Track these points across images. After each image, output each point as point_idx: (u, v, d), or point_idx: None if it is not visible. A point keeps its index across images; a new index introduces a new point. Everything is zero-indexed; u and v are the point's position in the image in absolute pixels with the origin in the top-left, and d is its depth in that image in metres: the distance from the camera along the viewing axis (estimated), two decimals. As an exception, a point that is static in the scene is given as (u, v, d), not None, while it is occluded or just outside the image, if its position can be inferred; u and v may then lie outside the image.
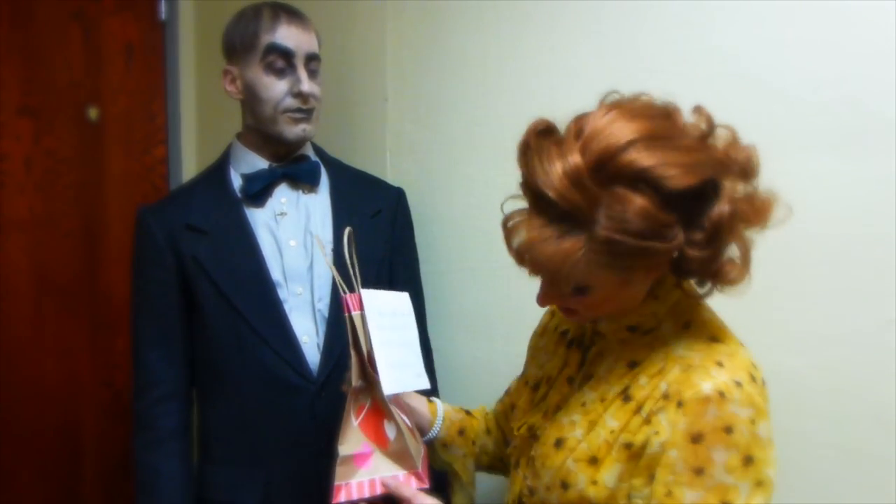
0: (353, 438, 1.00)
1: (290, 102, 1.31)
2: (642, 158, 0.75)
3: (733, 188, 0.80)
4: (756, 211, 0.81)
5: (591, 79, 1.27)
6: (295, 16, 1.34)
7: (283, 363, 1.29)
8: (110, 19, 1.93)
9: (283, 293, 1.32)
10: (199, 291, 1.32)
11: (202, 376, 1.38)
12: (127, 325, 1.98)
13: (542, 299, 0.90)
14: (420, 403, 1.14)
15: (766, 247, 1.10)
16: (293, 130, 1.32)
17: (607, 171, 0.75)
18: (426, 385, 1.06)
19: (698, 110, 0.85)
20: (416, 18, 1.56)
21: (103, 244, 1.93)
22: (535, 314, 1.23)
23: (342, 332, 1.30)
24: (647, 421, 0.84)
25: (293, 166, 1.37)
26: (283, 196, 1.37)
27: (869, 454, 1.02)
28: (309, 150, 1.43)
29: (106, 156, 1.93)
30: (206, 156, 2.07)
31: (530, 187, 0.80)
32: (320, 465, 1.27)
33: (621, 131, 0.76)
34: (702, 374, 0.82)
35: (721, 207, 0.78)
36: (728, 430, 0.79)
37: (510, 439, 1.06)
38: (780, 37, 1.08)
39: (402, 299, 1.10)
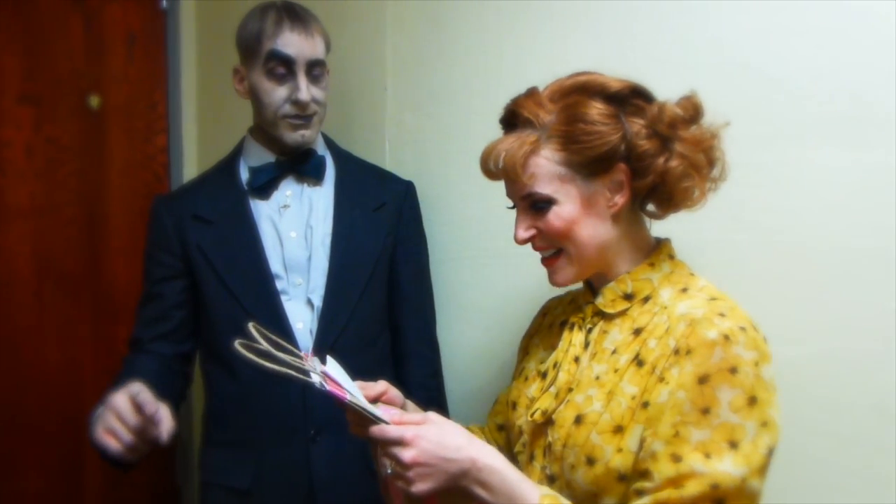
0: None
1: (289, 109, 1.33)
2: (582, 77, 0.95)
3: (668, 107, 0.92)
4: (688, 119, 0.92)
5: (589, 68, 1.26)
6: (299, 21, 1.32)
7: None
8: (111, 7, 1.92)
9: (282, 284, 1.35)
10: (202, 279, 1.35)
11: (206, 361, 1.42)
12: (129, 313, 1.99)
13: (518, 228, 0.98)
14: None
15: (768, 236, 1.10)
16: (292, 136, 1.35)
17: (561, 91, 0.94)
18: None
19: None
20: (415, 7, 1.56)
21: (105, 232, 1.93)
22: (535, 301, 1.24)
23: (333, 318, 1.33)
24: (661, 378, 0.86)
25: (298, 161, 1.39)
26: (288, 189, 1.39)
27: (869, 443, 1.02)
28: (317, 144, 1.44)
29: (107, 144, 1.93)
30: (207, 144, 2.07)
31: (505, 112, 0.97)
32: (310, 452, 1.31)
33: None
34: (706, 325, 0.85)
35: (653, 108, 0.92)
36: (733, 370, 0.82)
37: (515, 438, 1.04)
38: (780, 26, 1.07)
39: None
